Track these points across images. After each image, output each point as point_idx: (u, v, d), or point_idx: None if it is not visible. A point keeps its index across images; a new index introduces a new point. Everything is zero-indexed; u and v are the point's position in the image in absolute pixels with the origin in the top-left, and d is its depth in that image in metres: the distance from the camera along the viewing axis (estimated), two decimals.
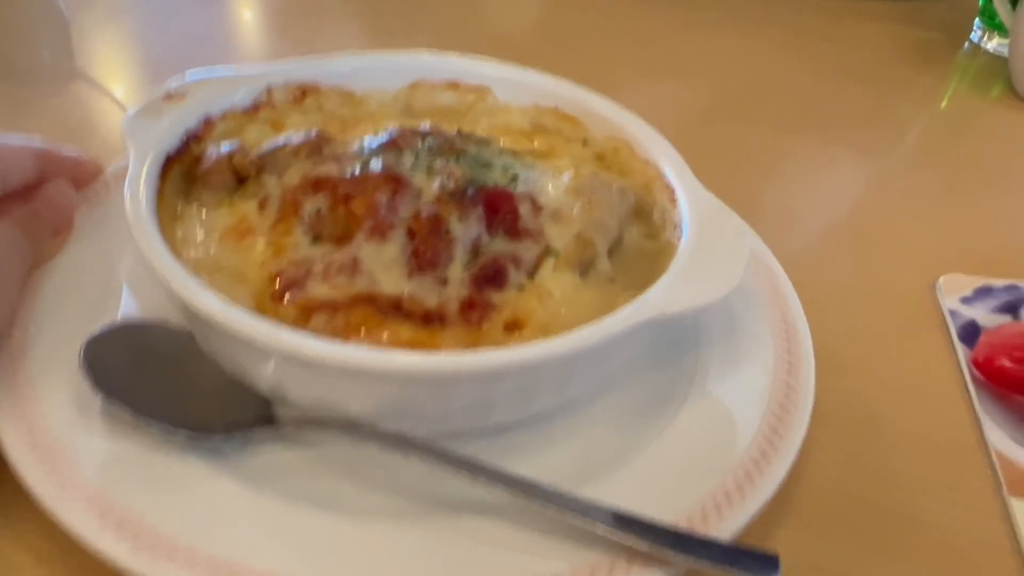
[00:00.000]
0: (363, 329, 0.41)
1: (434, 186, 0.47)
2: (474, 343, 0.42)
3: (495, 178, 0.49)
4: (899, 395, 0.52)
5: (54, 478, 0.38)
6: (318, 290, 0.42)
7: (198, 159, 0.49)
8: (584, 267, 0.47)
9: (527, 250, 0.46)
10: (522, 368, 0.39)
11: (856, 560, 0.43)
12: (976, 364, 0.53)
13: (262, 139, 0.51)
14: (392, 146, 0.49)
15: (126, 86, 0.79)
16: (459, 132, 0.53)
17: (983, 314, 0.58)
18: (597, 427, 0.46)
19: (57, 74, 0.78)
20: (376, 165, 0.47)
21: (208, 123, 0.51)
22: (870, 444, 0.49)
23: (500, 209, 0.46)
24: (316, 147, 0.49)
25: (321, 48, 0.84)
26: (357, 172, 0.46)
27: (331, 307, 0.42)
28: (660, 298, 0.41)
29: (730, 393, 0.47)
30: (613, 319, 0.40)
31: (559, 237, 0.47)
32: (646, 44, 0.93)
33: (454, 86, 0.59)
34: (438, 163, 0.48)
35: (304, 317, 0.41)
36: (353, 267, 0.43)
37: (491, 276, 0.44)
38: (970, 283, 0.60)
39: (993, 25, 0.96)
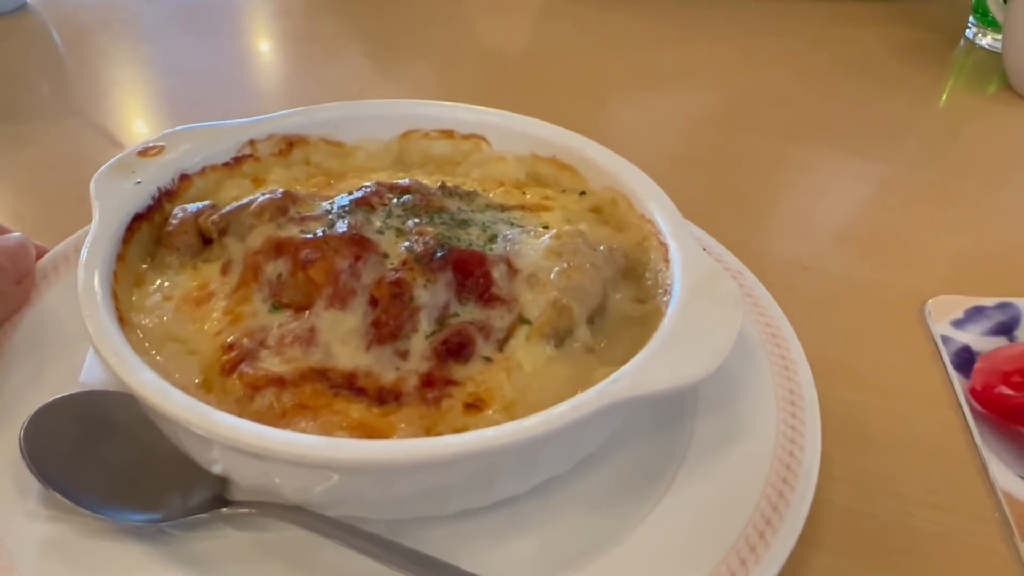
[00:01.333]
0: (309, 410, 0.39)
1: (401, 249, 0.44)
2: (431, 425, 0.39)
3: (471, 239, 0.46)
4: (899, 445, 0.47)
5: None
6: (269, 363, 0.40)
7: (168, 219, 0.48)
8: (560, 337, 0.43)
9: (499, 318, 0.43)
10: (476, 455, 0.35)
11: None
12: (974, 395, 0.49)
13: (241, 196, 0.49)
14: (363, 204, 0.47)
15: (119, 123, 0.78)
16: (442, 186, 0.51)
17: (976, 337, 0.53)
18: (574, 510, 0.42)
19: (52, 111, 0.78)
20: (342, 226, 0.44)
21: (184, 179, 0.50)
22: (879, 499, 0.44)
23: (472, 273, 0.43)
24: (282, 207, 0.46)
25: (320, 74, 0.84)
26: (320, 234, 0.44)
27: (279, 383, 0.39)
28: (635, 377, 0.37)
29: (725, 471, 0.43)
30: (578, 401, 0.36)
31: (534, 304, 0.43)
32: (640, 55, 0.91)
33: (448, 135, 0.57)
34: (410, 223, 0.46)
35: (250, 394, 0.39)
36: (309, 338, 0.41)
37: (455, 348, 0.41)
38: (960, 304, 0.56)
39: (986, 21, 0.93)
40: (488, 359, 0.42)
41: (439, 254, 0.43)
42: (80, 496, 0.39)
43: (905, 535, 0.42)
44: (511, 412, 0.39)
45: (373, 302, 0.42)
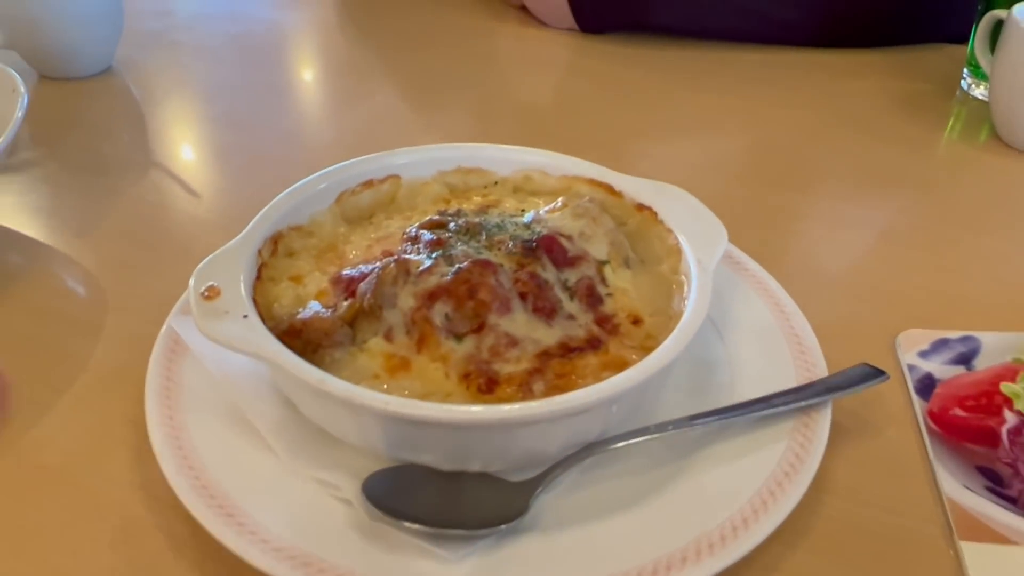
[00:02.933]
0: (568, 375, 0.50)
1: (501, 254, 0.55)
2: (631, 344, 0.52)
3: (518, 232, 0.57)
4: (864, 458, 0.54)
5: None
6: (511, 367, 0.50)
7: (296, 330, 0.51)
8: (625, 262, 0.59)
9: (588, 267, 0.56)
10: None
11: None
12: (931, 416, 0.57)
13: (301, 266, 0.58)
14: (437, 245, 0.55)
15: (195, 173, 0.89)
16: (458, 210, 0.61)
17: (939, 366, 0.61)
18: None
19: (134, 164, 0.88)
20: (460, 259, 0.53)
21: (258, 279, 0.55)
22: (840, 504, 0.52)
23: (553, 249, 0.56)
24: (404, 269, 0.53)
25: (363, 117, 0.94)
26: (452, 272, 0.52)
27: (536, 372, 0.49)
28: (697, 254, 0.56)
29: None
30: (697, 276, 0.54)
31: (597, 250, 0.58)
32: (654, 107, 1.01)
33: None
34: (483, 237, 0.56)
35: (527, 389, 0.48)
36: (511, 340, 0.51)
37: (592, 294, 0.55)
38: (927, 337, 0.64)
39: (978, 74, 1.01)
40: (609, 294, 0.56)
41: (531, 245, 0.55)
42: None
43: (858, 537, 0.50)
44: (653, 313, 0.55)
45: (523, 296, 0.53)
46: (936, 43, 1.14)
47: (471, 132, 0.94)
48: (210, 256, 0.54)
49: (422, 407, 0.45)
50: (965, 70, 1.03)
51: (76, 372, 0.60)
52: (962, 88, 1.03)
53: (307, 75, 1.15)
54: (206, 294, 0.51)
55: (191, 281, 0.52)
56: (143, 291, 0.68)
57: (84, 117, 0.96)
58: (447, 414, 0.45)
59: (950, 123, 0.98)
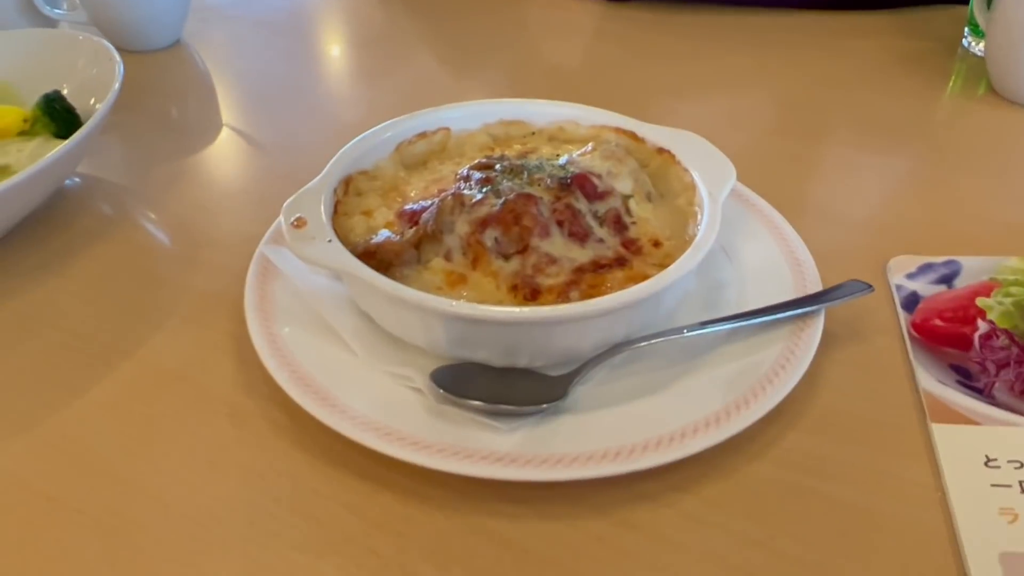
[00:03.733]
0: (599, 286, 0.58)
1: (542, 188, 0.63)
2: (653, 262, 0.61)
3: (555, 172, 0.65)
4: (852, 360, 0.61)
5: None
6: (552, 279, 0.59)
7: (371, 252, 0.60)
8: (648, 196, 0.67)
9: (615, 200, 0.65)
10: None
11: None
12: (914, 326, 0.63)
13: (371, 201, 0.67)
14: (487, 181, 0.64)
15: (259, 131, 0.99)
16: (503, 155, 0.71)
17: (923, 286, 0.70)
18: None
19: (206, 125, 0.99)
20: (507, 193, 0.62)
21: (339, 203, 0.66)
22: (827, 396, 0.59)
23: (585, 185, 0.64)
24: (460, 200, 0.62)
25: (405, 81, 1.04)
26: (500, 204, 0.61)
27: (573, 283, 0.58)
28: (709, 185, 0.65)
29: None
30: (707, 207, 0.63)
31: (622, 186, 0.66)
32: (676, 68, 1.09)
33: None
34: (525, 176, 0.64)
35: (564, 298, 0.57)
36: (549, 260, 0.60)
37: (618, 221, 0.64)
38: (915, 261, 0.72)
39: (978, 32, 1.06)
40: (634, 223, 0.64)
41: (567, 181, 0.64)
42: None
43: (845, 420, 0.57)
44: (671, 237, 0.64)
45: (560, 223, 0.61)
46: (939, 4, 1.21)
47: (506, 94, 1.03)
48: (295, 194, 0.64)
49: (479, 308, 0.54)
50: (966, 29, 1.09)
51: (179, 296, 0.71)
52: (963, 46, 1.09)
53: (352, 43, 1.25)
54: (295, 223, 0.61)
55: (281, 215, 0.62)
56: (228, 230, 0.79)
57: (158, 86, 1.07)
58: (499, 314, 0.54)
59: (952, 79, 1.05)
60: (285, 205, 0.63)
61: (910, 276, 0.71)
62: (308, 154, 0.90)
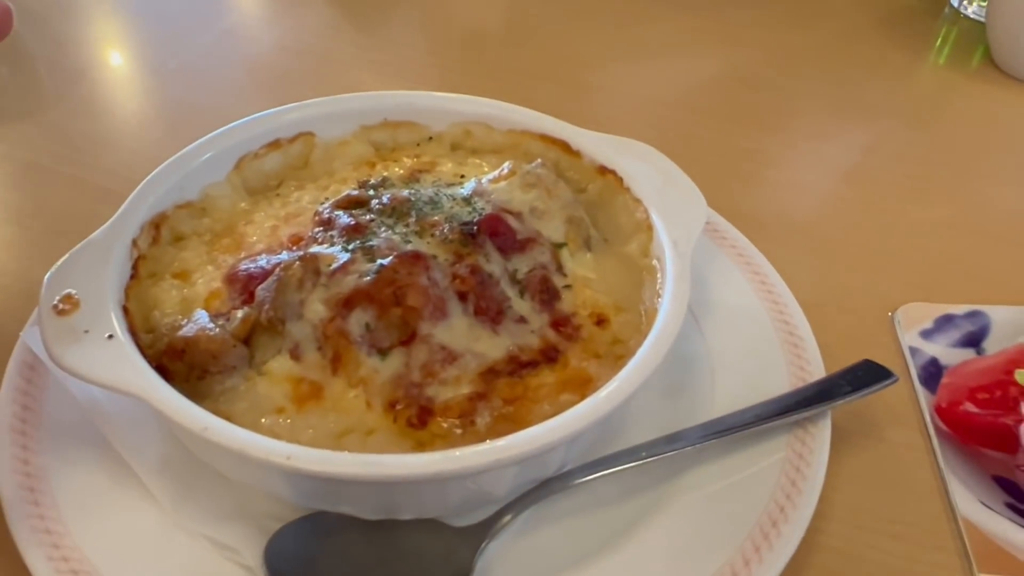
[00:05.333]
0: (522, 399, 0.40)
1: (436, 242, 0.44)
2: (597, 350, 0.43)
3: (456, 210, 0.47)
4: (863, 470, 0.47)
5: None
6: (444, 394, 0.40)
7: (178, 350, 0.41)
8: (587, 242, 0.49)
9: (542, 253, 0.47)
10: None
11: None
12: (940, 412, 0.49)
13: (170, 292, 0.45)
14: (356, 231, 0.45)
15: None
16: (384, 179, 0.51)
17: (944, 350, 0.53)
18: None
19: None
20: (384, 249, 0.43)
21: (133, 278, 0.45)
22: (837, 529, 0.44)
23: (500, 231, 0.46)
24: (313, 268, 0.43)
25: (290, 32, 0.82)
26: (374, 272, 0.42)
27: (480, 397, 0.40)
28: (670, 231, 0.47)
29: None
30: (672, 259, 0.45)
31: (554, 230, 0.48)
32: (617, 31, 0.90)
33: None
34: (412, 218, 0.46)
35: (469, 421, 0.40)
36: (448, 356, 0.41)
37: (546, 290, 0.45)
38: (929, 313, 0.56)
39: None
40: (568, 287, 0.46)
41: (472, 230, 0.45)
42: None
43: (863, 568, 0.43)
44: (620, 310, 0.46)
45: (462, 296, 0.43)
46: None
47: (412, 55, 0.83)
48: (68, 253, 0.43)
49: (333, 461, 0.35)
50: None
51: None
52: (951, 5, 0.94)
53: None
54: (60, 307, 0.40)
55: (43, 290, 0.41)
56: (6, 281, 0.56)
57: None
58: (365, 468, 0.35)
59: (936, 44, 0.89)
60: (49, 274, 0.42)
61: (926, 334, 0.55)
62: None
